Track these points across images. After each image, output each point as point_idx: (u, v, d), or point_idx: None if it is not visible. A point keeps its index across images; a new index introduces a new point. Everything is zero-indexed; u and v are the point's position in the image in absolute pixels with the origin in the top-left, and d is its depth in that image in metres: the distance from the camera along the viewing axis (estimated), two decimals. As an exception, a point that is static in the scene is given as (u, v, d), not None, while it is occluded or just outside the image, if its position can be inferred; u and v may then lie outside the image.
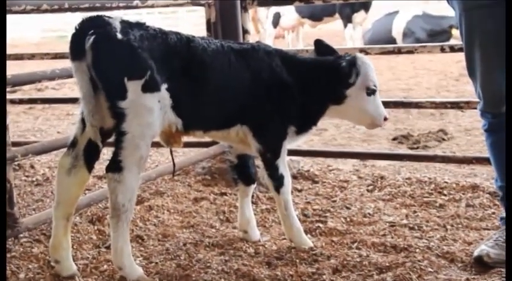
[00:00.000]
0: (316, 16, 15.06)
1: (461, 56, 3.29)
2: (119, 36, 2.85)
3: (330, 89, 3.39)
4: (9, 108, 3.30)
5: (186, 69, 3.04)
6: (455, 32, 13.71)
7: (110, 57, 2.86)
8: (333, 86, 3.37)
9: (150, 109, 2.90)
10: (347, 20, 14.78)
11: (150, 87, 2.89)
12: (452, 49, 4.27)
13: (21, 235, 3.53)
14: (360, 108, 3.39)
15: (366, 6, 14.33)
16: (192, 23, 22.98)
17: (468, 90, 8.50)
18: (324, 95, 3.40)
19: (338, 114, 3.55)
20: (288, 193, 3.40)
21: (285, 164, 3.40)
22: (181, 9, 23.76)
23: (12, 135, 3.39)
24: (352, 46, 11.16)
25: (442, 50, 4.34)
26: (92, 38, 2.82)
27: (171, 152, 3.50)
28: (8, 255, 3.31)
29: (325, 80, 3.38)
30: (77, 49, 2.86)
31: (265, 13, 16.55)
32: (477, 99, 3.30)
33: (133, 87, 2.86)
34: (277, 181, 3.37)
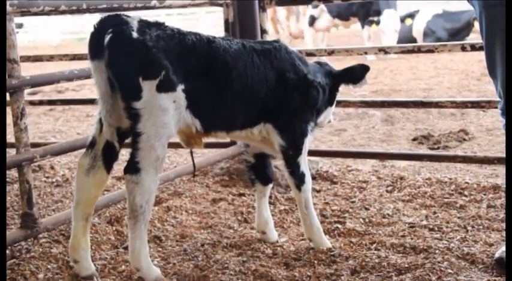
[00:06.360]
0: (343, 15, 14.98)
1: (482, 55, 3.25)
2: (135, 35, 2.85)
3: (331, 92, 3.54)
4: (30, 109, 3.33)
5: (206, 70, 3.04)
6: (477, 25, 13.60)
7: (124, 57, 2.85)
8: (333, 89, 3.54)
9: (165, 109, 2.89)
10: (364, 20, 14.70)
11: (165, 87, 2.88)
12: (473, 48, 4.17)
13: (41, 236, 3.56)
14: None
15: (378, 13, 14.22)
16: (211, 24, 23.07)
17: (490, 90, 8.39)
18: (329, 97, 3.54)
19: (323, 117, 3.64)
20: (308, 191, 3.39)
21: (306, 162, 3.40)
22: (200, 11, 23.88)
23: (32, 136, 3.42)
24: (371, 46, 11.09)
25: (463, 48, 4.25)
26: (109, 36, 2.83)
27: (191, 152, 3.50)
28: (27, 255, 3.34)
29: (333, 83, 3.53)
30: (95, 48, 2.87)
31: (284, 14, 16.54)
32: (499, 99, 3.25)
33: (148, 87, 2.85)
34: (299, 179, 3.36)
